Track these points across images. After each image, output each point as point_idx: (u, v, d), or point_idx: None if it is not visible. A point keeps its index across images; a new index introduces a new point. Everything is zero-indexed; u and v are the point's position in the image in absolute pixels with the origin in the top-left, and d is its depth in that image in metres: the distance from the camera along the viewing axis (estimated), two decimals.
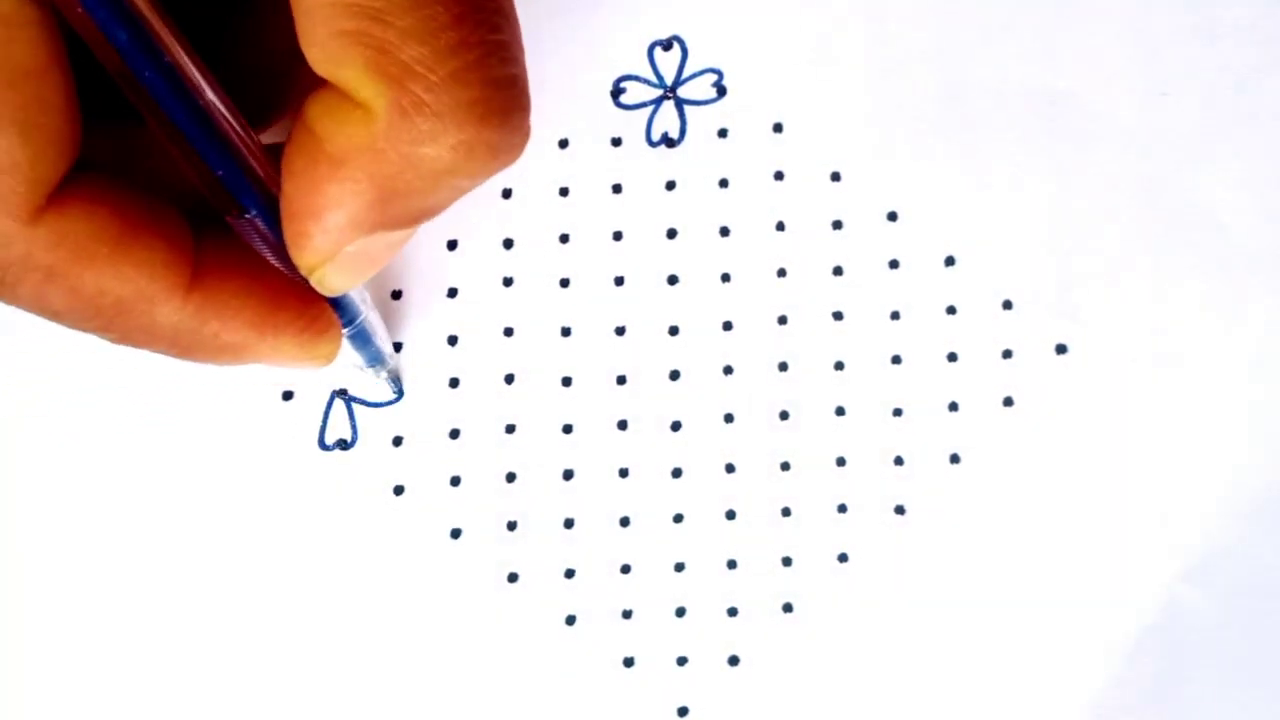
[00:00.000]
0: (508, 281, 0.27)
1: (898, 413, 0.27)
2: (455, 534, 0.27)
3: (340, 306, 0.23)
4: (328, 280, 0.20)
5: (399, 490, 0.27)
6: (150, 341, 0.20)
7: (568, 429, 0.27)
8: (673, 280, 0.27)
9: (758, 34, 0.27)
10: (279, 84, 0.21)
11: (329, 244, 0.19)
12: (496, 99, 0.18)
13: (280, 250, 0.20)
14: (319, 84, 0.18)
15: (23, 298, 0.19)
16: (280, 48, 0.20)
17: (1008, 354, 0.27)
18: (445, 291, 0.27)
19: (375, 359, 0.25)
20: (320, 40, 0.17)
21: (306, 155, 0.18)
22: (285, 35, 0.18)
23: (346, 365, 0.25)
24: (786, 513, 0.27)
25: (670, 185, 0.27)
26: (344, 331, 0.23)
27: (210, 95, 0.19)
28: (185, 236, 0.20)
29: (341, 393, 0.27)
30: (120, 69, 0.18)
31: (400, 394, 0.27)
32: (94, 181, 0.19)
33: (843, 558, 0.27)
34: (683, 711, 0.26)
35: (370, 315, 0.24)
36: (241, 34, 0.21)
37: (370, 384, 0.27)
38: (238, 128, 0.19)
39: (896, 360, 0.27)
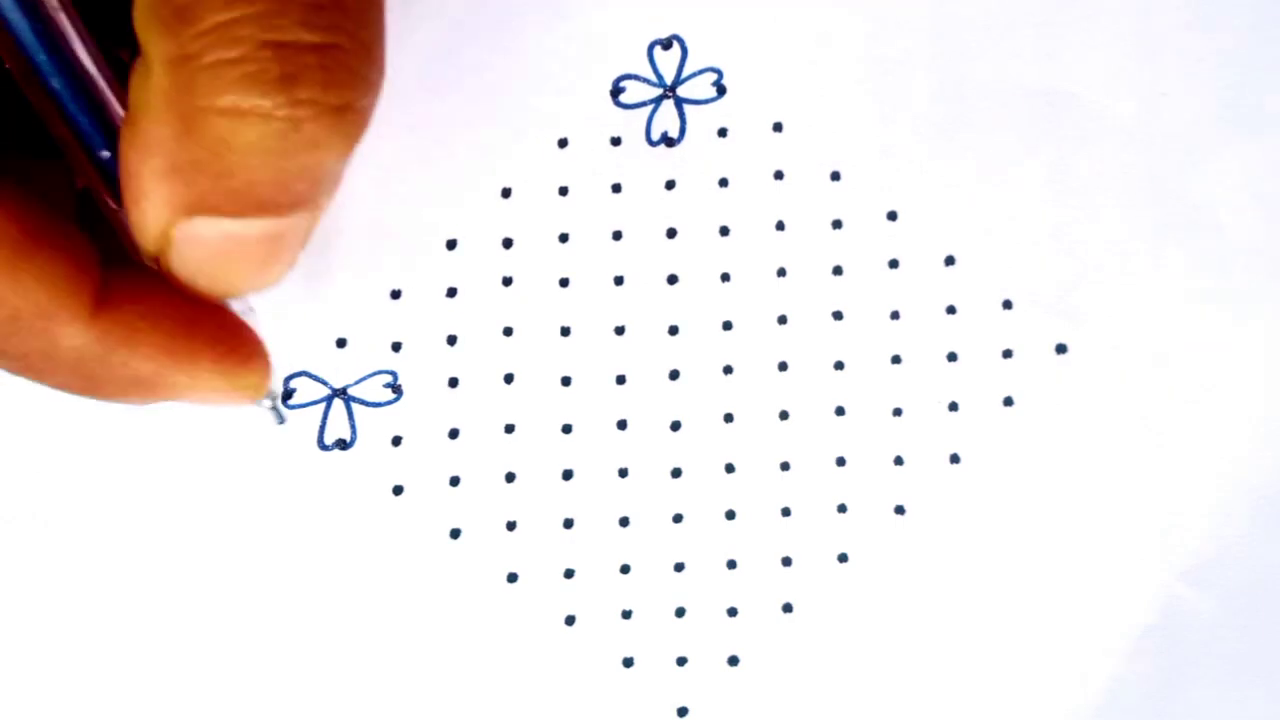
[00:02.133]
0: (507, 281, 0.27)
1: (898, 413, 0.27)
2: (455, 534, 0.27)
3: None
4: (175, 267, 0.18)
5: (398, 490, 0.27)
6: (52, 370, 0.19)
7: (568, 429, 0.27)
8: (673, 280, 0.27)
9: (758, 34, 0.27)
10: None
11: (154, 223, 0.18)
12: (276, 60, 0.16)
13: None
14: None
15: None
16: None
17: (1008, 354, 0.27)
18: (445, 291, 0.27)
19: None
20: None
21: (129, 125, 0.17)
22: None
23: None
24: (786, 513, 0.27)
25: (670, 185, 0.27)
26: None
27: (99, 80, 0.18)
28: (91, 259, 0.18)
29: (341, 392, 0.27)
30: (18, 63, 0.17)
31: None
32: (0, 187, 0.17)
33: (843, 558, 0.27)
34: (683, 711, 0.26)
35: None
36: None
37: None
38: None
39: (896, 360, 0.27)
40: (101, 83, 0.18)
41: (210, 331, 0.19)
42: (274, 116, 0.16)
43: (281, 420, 0.23)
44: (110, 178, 0.18)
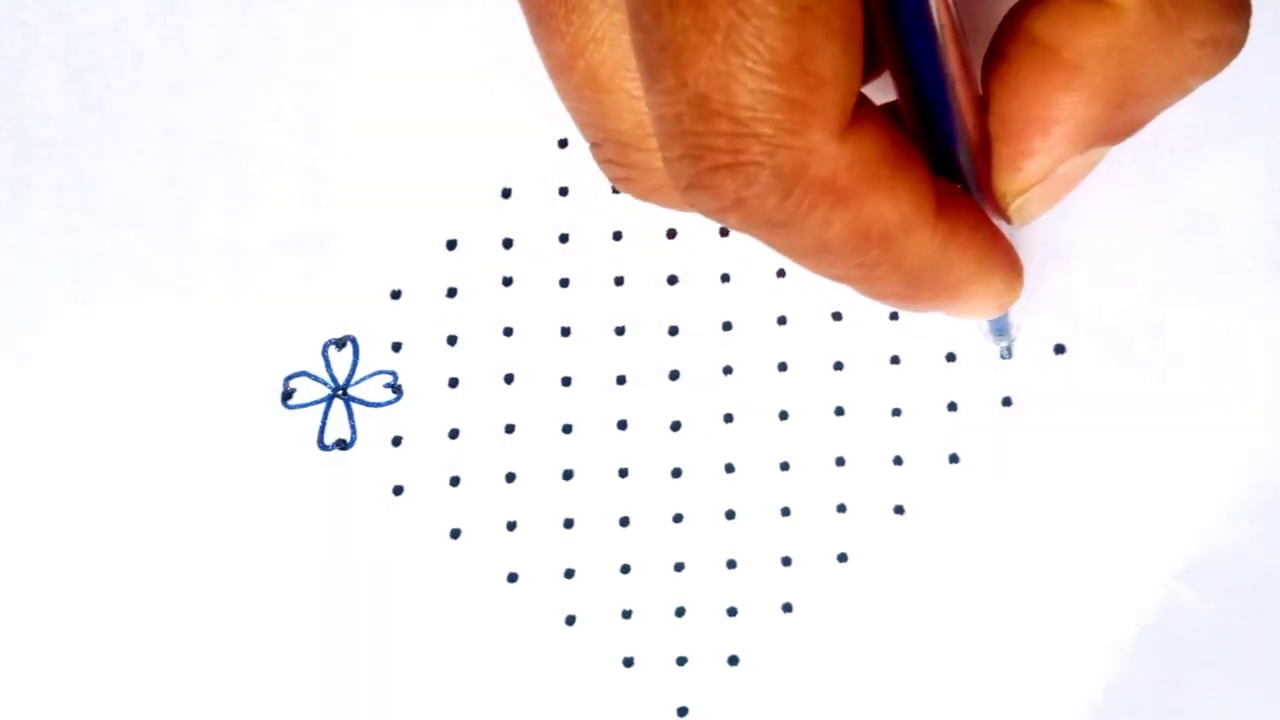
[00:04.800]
0: (508, 281, 0.27)
1: (897, 413, 0.27)
2: (455, 534, 0.27)
3: None
4: (1029, 207, 0.20)
5: (399, 490, 0.27)
6: (891, 278, 0.19)
7: (568, 429, 0.27)
8: (673, 280, 0.27)
9: None
10: None
11: (1047, 163, 0.19)
12: None
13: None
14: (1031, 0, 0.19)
15: (805, 228, 0.18)
16: None
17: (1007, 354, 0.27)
18: (445, 291, 0.27)
19: (1002, 325, 0.25)
20: None
21: (1034, 70, 0.18)
22: None
23: (973, 323, 0.26)
24: (786, 513, 0.27)
25: None
26: None
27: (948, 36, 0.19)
28: (928, 172, 0.19)
29: (341, 393, 0.27)
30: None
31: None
32: (867, 105, 0.18)
33: (842, 557, 0.27)
34: (683, 711, 0.26)
35: None
36: None
37: (982, 348, 0.27)
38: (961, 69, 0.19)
39: (895, 360, 0.27)
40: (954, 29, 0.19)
41: (1003, 244, 0.21)
42: (1220, 39, 0.18)
43: (1009, 354, 0.26)
44: (941, 109, 0.20)
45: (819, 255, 0.19)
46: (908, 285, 0.20)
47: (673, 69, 0.16)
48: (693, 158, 0.17)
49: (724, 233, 0.27)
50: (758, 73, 0.16)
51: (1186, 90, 0.19)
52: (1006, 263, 0.21)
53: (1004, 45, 0.19)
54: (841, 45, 0.16)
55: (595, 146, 0.21)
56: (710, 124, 0.16)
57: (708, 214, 0.18)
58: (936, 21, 0.18)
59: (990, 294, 0.21)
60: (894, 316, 0.27)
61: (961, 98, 0.19)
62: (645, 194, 0.21)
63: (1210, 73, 0.19)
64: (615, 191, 0.27)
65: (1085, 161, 0.20)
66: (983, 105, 0.20)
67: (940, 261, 0.19)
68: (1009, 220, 0.21)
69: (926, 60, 0.19)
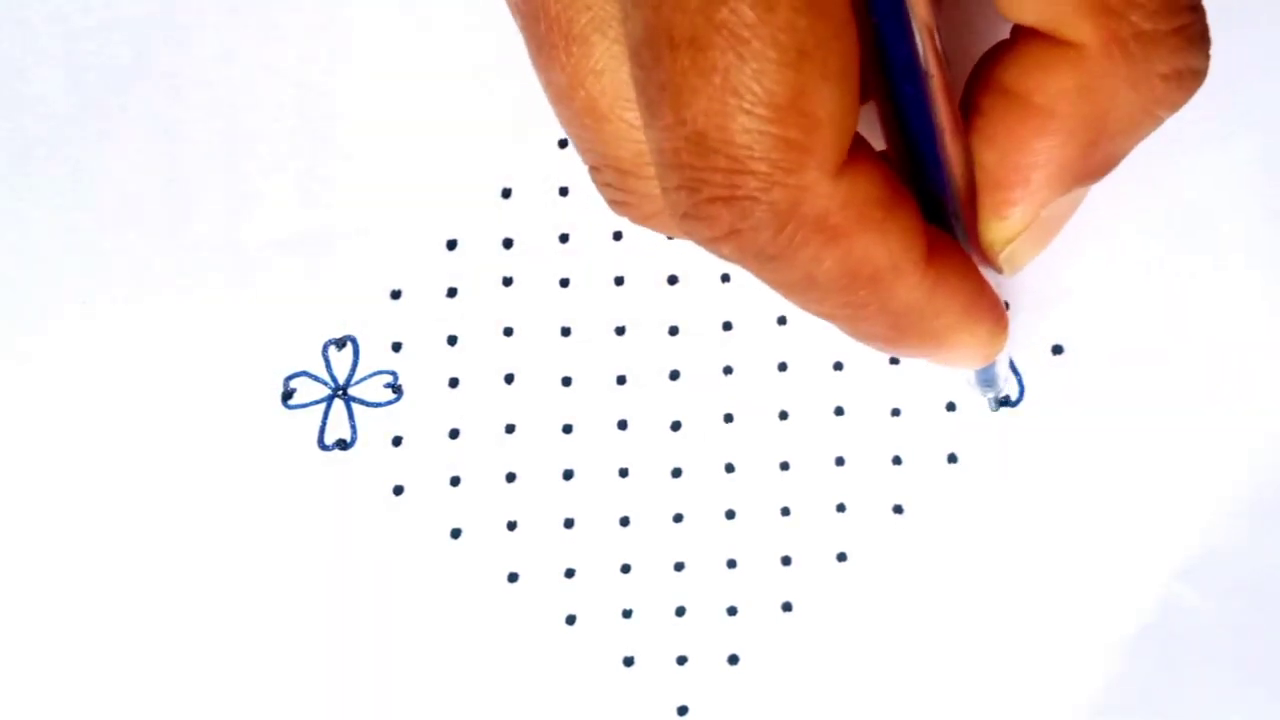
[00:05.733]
0: (508, 281, 0.27)
1: (896, 413, 0.27)
2: (455, 534, 0.27)
3: None
4: (1017, 254, 0.20)
5: (399, 490, 0.27)
6: (877, 320, 0.19)
7: (568, 429, 0.27)
8: (673, 280, 0.27)
9: None
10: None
11: (1031, 209, 0.19)
12: (1196, 23, 0.18)
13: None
14: (998, 51, 0.19)
15: (796, 262, 0.18)
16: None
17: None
18: (445, 291, 0.27)
19: (989, 376, 0.25)
20: None
21: (1008, 119, 0.19)
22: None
23: (961, 374, 0.26)
24: (786, 512, 0.27)
25: None
26: None
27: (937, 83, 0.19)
28: (920, 216, 0.19)
29: (342, 393, 0.27)
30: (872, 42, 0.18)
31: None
32: (862, 146, 0.18)
33: (842, 557, 0.27)
34: (683, 711, 0.26)
35: None
36: None
37: (972, 398, 0.27)
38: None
39: (895, 361, 0.27)
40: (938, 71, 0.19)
41: (989, 295, 0.21)
42: (1184, 72, 0.18)
43: (996, 406, 0.26)
44: (930, 159, 0.20)
45: (807, 291, 0.19)
46: (893, 328, 0.20)
47: (671, 107, 0.17)
48: (689, 189, 0.17)
49: None
50: (755, 114, 0.16)
51: (1157, 123, 0.19)
52: (993, 314, 0.21)
53: (977, 98, 0.20)
54: (838, 87, 0.17)
55: (594, 170, 0.21)
56: (707, 160, 0.17)
57: (702, 243, 0.18)
58: (925, 71, 0.19)
59: (974, 343, 0.21)
60: None
61: (951, 148, 0.19)
62: (642, 219, 0.21)
63: (1177, 105, 0.19)
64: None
65: (1068, 202, 0.20)
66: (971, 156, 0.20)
67: (927, 307, 0.19)
68: (999, 269, 0.21)
69: (916, 110, 0.19)
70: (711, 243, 0.18)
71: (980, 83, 0.20)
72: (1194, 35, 0.18)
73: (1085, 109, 0.18)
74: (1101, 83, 0.18)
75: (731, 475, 0.27)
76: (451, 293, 0.27)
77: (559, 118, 0.20)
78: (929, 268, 0.19)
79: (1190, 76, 0.18)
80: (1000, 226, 0.20)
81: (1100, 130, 0.19)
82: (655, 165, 0.18)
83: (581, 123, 0.19)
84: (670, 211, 0.18)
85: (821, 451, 0.27)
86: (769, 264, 0.18)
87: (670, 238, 0.27)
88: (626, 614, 0.27)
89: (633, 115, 0.19)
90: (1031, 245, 0.21)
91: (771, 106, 0.16)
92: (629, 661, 0.26)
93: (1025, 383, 0.27)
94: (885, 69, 0.19)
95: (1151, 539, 0.26)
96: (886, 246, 0.18)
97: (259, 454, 0.27)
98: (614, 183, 0.20)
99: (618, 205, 0.21)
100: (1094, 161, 0.19)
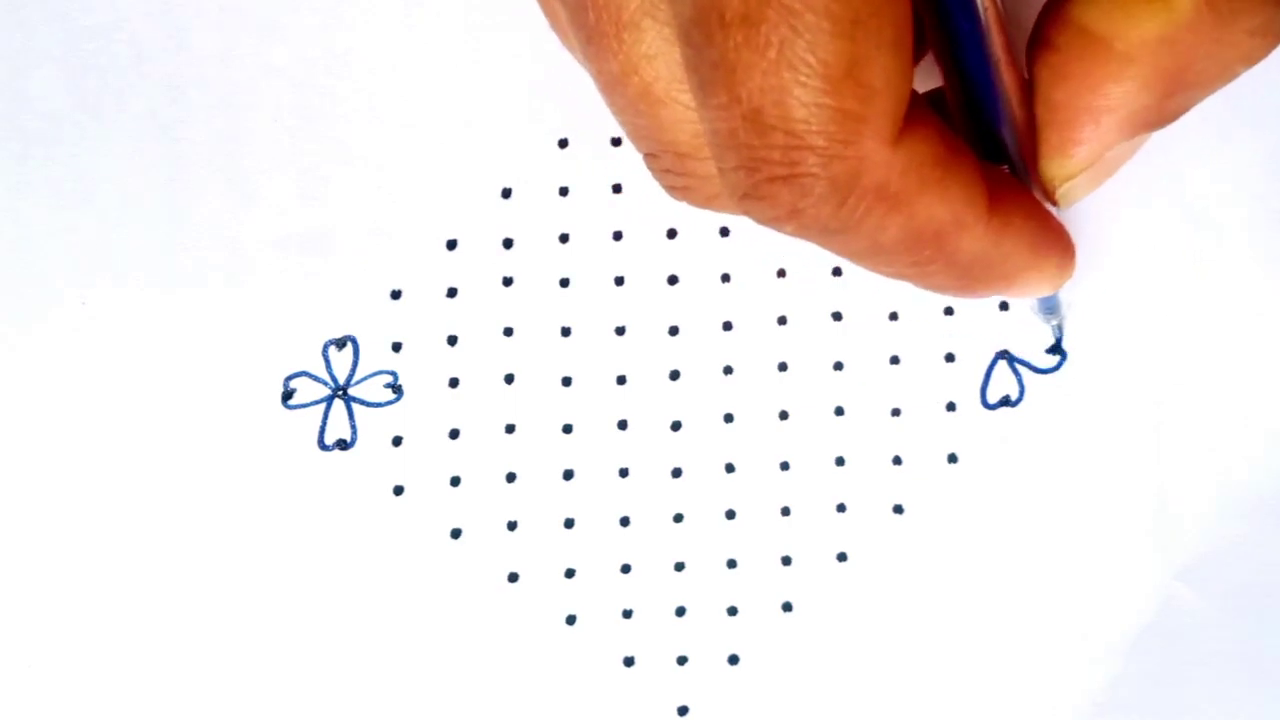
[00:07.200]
0: (508, 281, 0.27)
1: (896, 413, 0.27)
2: (455, 534, 0.27)
3: None
4: (1075, 190, 0.21)
5: (399, 490, 0.27)
6: (946, 273, 0.20)
7: (568, 429, 0.27)
8: (673, 280, 0.27)
9: None
10: None
11: (1096, 150, 0.19)
12: None
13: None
14: None
15: (860, 233, 0.18)
16: None
17: (1005, 355, 0.27)
18: (445, 291, 0.27)
19: (1052, 304, 0.26)
20: None
21: (1084, 59, 0.19)
22: None
23: (1025, 305, 0.26)
24: (786, 512, 0.27)
25: None
26: None
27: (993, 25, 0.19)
28: (979, 167, 0.19)
29: (342, 393, 0.27)
30: None
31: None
32: (918, 106, 0.18)
33: (842, 557, 0.27)
34: (683, 711, 0.26)
35: None
36: None
37: (1032, 331, 0.27)
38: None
39: (895, 361, 0.27)
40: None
41: (1055, 227, 0.21)
42: (1271, 26, 0.18)
43: (1060, 332, 0.26)
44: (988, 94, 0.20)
45: (874, 257, 0.19)
46: (962, 278, 0.20)
47: (725, 86, 0.17)
48: (748, 169, 0.17)
49: (724, 232, 0.27)
50: (811, 87, 0.16)
51: (1234, 77, 0.19)
52: (1060, 245, 0.21)
53: (1051, 33, 0.20)
54: (893, 54, 0.17)
55: (651, 158, 0.21)
56: (765, 137, 0.17)
57: (763, 222, 0.18)
58: (981, 5, 0.19)
59: (1044, 278, 0.21)
60: (893, 317, 0.27)
61: (1007, 81, 0.20)
62: (703, 202, 0.21)
63: (1257, 60, 0.19)
64: (616, 192, 0.27)
65: (1131, 146, 0.20)
66: (1028, 89, 0.20)
67: (994, 252, 0.19)
68: (1055, 203, 0.21)
69: (972, 45, 0.19)
70: (774, 221, 0.18)
71: (1056, 19, 0.19)
72: None
73: (1166, 60, 0.18)
74: (1187, 35, 0.18)
75: (731, 475, 0.27)
76: (451, 293, 0.27)
77: (612, 107, 0.20)
78: (993, 216, 0.19)
79: (1275, 33, 0.18)
80: (1063, 164, 0.20)
81: (1178, 82, 0.19)
82: (711, 147, 0.18)
83: (637, 109, 0.19)
84: (729, 193, 0.18)
85: (821, 451, 0.27)
86: (834, 237, 0.18)
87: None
88: (627, 614, 0.27)
89: (688, 98, 0.19)
90: (1089, 182, 0.21)
91: (827, 79, 0.16)
92: (629, 661, 0.26)
93: (1025, 383, 0.27)
94: (939, 5, 0.19)
95: (1151, 539, 0.26)
96: (949, 204, 0.18)
97: (259, 454, 0.26)
98: (673, 168, 0.20)
99: (677, 190, 0.21)
100: (1166, 110, 0.19)
